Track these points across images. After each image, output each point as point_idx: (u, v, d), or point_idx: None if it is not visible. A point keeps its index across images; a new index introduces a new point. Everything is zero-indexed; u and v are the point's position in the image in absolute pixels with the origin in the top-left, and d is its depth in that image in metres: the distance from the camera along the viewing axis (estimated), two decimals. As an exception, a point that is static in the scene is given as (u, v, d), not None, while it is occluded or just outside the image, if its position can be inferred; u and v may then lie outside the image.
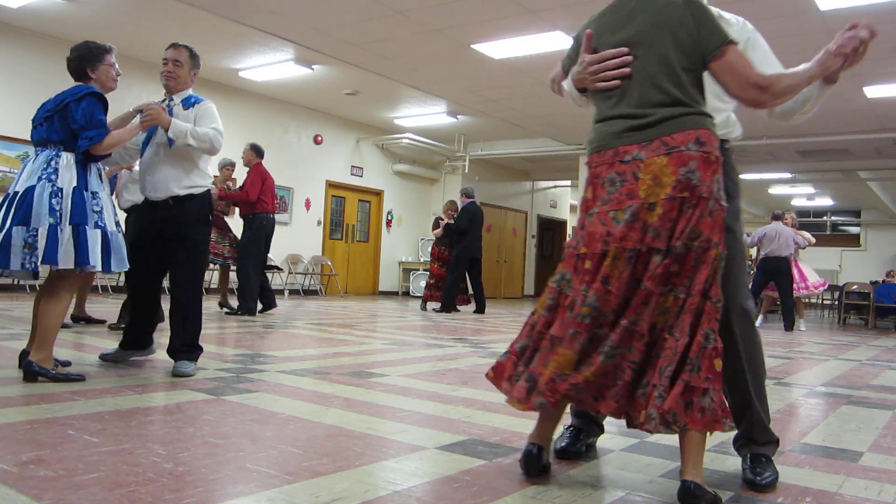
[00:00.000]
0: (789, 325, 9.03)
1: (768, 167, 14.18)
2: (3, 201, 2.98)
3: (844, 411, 3.23)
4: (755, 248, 9.71)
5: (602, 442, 2.35)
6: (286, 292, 11.50)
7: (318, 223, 12.38)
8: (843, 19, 6.45)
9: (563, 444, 2.14)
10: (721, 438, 2.49)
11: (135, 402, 2.60)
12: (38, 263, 2.83)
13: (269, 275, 11.22)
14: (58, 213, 2.89)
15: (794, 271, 9.48)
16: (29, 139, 3.20)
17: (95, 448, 1.95)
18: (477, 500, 1.70)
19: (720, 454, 2.26)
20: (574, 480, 1.90)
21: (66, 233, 2.87)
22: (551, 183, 17.60)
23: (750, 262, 10.87)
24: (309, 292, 12.08)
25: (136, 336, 3.55)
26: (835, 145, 11.89)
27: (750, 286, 9.37)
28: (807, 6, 6.26)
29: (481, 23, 7.23)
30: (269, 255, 11.55)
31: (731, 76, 1.82)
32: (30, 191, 2.90)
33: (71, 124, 3.00)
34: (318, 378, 3.36)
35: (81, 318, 5.36)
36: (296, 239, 11.87)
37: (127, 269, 3.13)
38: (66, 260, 2.86)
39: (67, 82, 3.17)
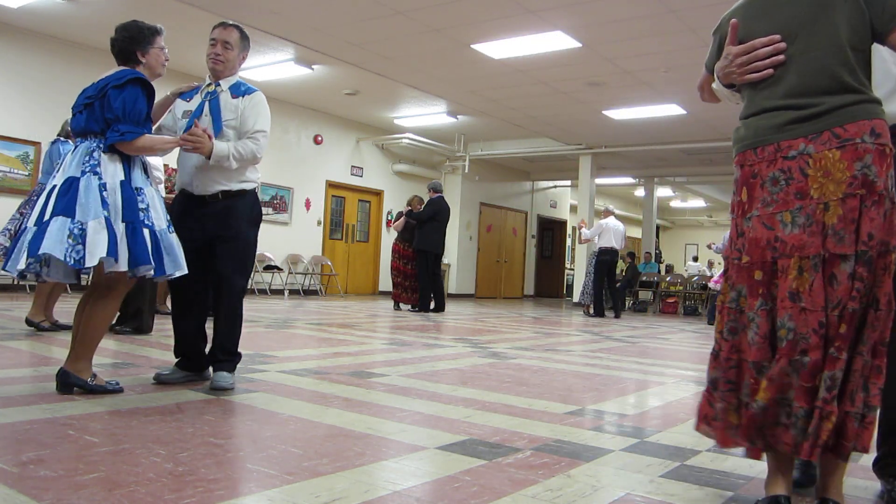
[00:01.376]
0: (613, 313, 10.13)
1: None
2: (39, 197, 2.70)
3: (844, 411, 3.23)
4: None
5: (602, 442, 2.36)
6: (286, 292, 11.50)
7: (318, 223, 12.38)
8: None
9: (795, 475, 1.87)
10: (721, 438, 2.49)
11: (135, 402, 2.60)
12: (84, 259, 2.49)
13: (268, 275, 11.29)
14: (109, 208, 2.60)
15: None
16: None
17: (95, 448, 1.95)
18: (477, 500, 1.70)
19: (720, 454, 2.26)
20: (574, 480, 1.90)
21: (119, 230, 2.58)
22: (551, 183, 17.61)
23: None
24: (309, 292, 12.08)
25: (191, 353, 3.13)
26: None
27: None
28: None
29: (481, 23, 7.23)
30: (270, 255, 11.65)
31: None
32: (72, 182, 2.60)
33: (106, 113, 2.69)
34: (318, 378, 3.36)
35: (36, 325, 4.79)
36: (296, 239, 11.88)
37: (185, 273, 2.76)
38: (121, 259, 2.57)
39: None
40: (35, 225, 2.55)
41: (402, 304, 9.29)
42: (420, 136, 13.21)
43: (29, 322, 4.78)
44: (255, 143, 3.01)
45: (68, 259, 2.47)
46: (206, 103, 3.06)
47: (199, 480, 1.73)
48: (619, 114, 10.68)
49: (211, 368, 3.08)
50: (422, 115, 12.05)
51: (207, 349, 3.14)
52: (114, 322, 4.92)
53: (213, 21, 3.43)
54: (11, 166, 8.27)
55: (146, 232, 2.64)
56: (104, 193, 2.60)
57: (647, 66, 8.36)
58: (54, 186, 2.64)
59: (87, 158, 2.66)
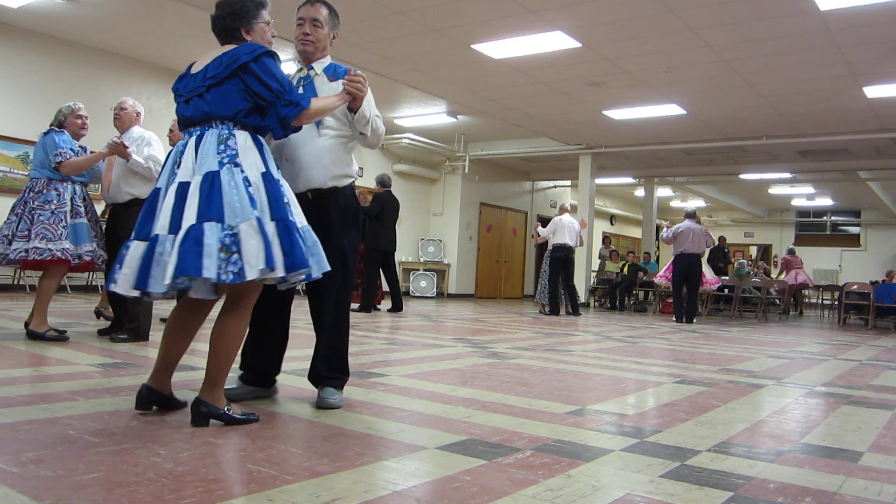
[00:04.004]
0: (691, 318, 9.79)
1: (768, 167, 14.18)
2: (160, 199, 2.30)
3: (844, 411, 3.23)
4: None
5: (602, 442, 2.36)
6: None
7: (318, 223, 12.36)
8: (842, 19, 6.46)
9: None
10: (721, 438, 2.49)
11: (135, 402, 2.60)
12: (244, 272, 2.14)
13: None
14: (257, 206, 2.24)
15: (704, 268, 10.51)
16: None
17: (95, 448, 1.95)
18: (477, 500, 1.70)
19: (720, 454, 2.26)
20: (574, 480, 1.90)
21: (270, 231, 2.23)
22: (551, 183, 17.60)
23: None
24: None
25: (264, 367, 2.87)
26: (835, 145, 11.89)
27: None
28: (807, 6, 6.26)
29: (481, 23, 7.23)
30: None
31: None
32: (213, 177, 2.21)
33: (261, 92, 2.33)
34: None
35: (38, 335, 4.22)
36: (296, 239, 11.86)
37: (328, 271, 2.42)
38: (278, 267, 2.22)
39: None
40: (171, 232, 2.18)
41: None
42: (420, 136, 13.21)
43: (33, 334, 4.20)
44: (381, 125, 2.70)
45: (224, 277, 2.12)
46: (300, 88, 2.73)
47: (199, 480, 1.73)
48: (619, 114, 10.68)
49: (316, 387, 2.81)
50: (422, 115, 12.05)
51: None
52: (109, 328, 4.64)
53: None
54: (11, 166, 8.27)
55: (297, 230, 2.30)
56: (250, 189, 2.24)
57: (647, 66, 8.36)
58: (183, 184, 2.24)
59: (222, 148, 2.29)
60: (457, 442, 2.24)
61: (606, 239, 16.12)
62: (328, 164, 2.68)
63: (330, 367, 2.76)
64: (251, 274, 2.15)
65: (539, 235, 10.52)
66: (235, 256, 2.14)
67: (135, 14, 7.69)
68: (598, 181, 14.86)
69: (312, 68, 2.78)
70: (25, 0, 7.39)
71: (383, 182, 8.90)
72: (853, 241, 21.15)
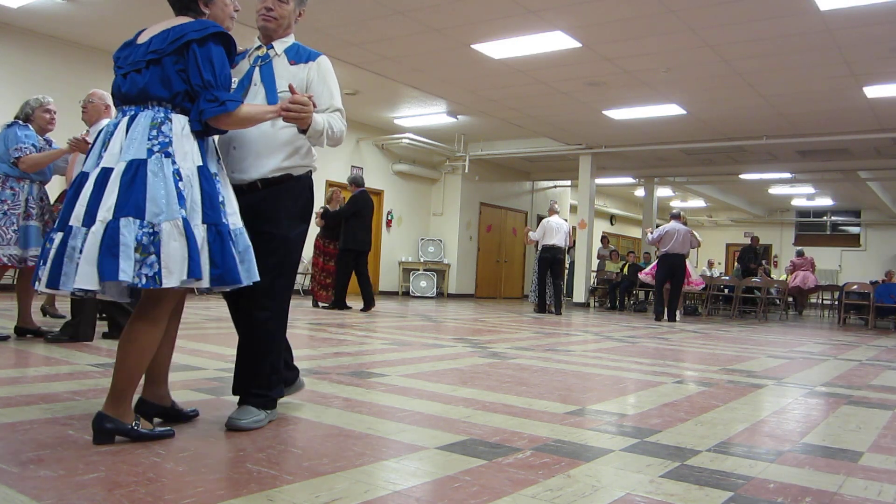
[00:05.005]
0: (673, 317, 9.96)
1: (768, 167, 14.18)
2: (81, 184, 2.04)
3: (844, 411, 3.23)
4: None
5: (602, 442, 2.35)
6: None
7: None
8: (843, 19, 6.46)
9: None
10: (721, 438, 2.49)
11: (135, 402, 2.59)
12: (160, 277, 1.91)
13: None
14: (186, 205, 1.98)
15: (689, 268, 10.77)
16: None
17: (95, 448, 1.95)
18: (477, 500, 1.70)
19: (720, 454, 2.26)
20: (574, 480, 1.90)
21: (200, 236, 1.98)
22: (551, 183, 17.60)
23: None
24: (308, 292, 12.05)
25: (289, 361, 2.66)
26: (835, 145, 11.90)
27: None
28: (807, 6, 6.26)
29: (481, 23, 7.23)
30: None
31: None
32: (138, 166, 1.96)
33: (192, 77, 2.06)
34: (318, 378, 3.35)
35: (28, 330, 4.32)
36: (296, 239, 11.85)
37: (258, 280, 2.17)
38: (205, 277, 1.98)
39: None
40: (85, 225, 1.94)
41: (320, 303, 8.79)
42: (420, 136, 13.21)
43: (23, 331, 4.28)
44: (340, 126, 2.44)
45: (138, 280, 1.89)
46: (256, 69, 2.43)
47: (200, 480, 1.73)
48: (619, 114, 10.68)
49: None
50: (422, 115, 12.05)
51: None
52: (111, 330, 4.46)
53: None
54: (11, 166, 8.27)
55: (231, 236, 2.05)
56: (179, 184, 1.98)
57: (647, 66, 8.36)
58: (106, 170, 1.99)
59: (154, 133, 2.01)
60: (457, 442, 2.24)
61: (604, 238, 16.10)
62: (283, 154, 2.39)
63: (256, 383, 2.37)
64: (169, 281, 1.92)
65: (530, 239, 10.72)
66: (153, 258, 1.90)
67: (135, 14, 7.68)
68: (598, 181, 14.86)
69: (272, 47, 2.45)
70: (25, 0, 7.39)
71: (357, 182, 8.73)
72: (853, 241, 21.15)
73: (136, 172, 1.95)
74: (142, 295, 2.09)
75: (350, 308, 8.61)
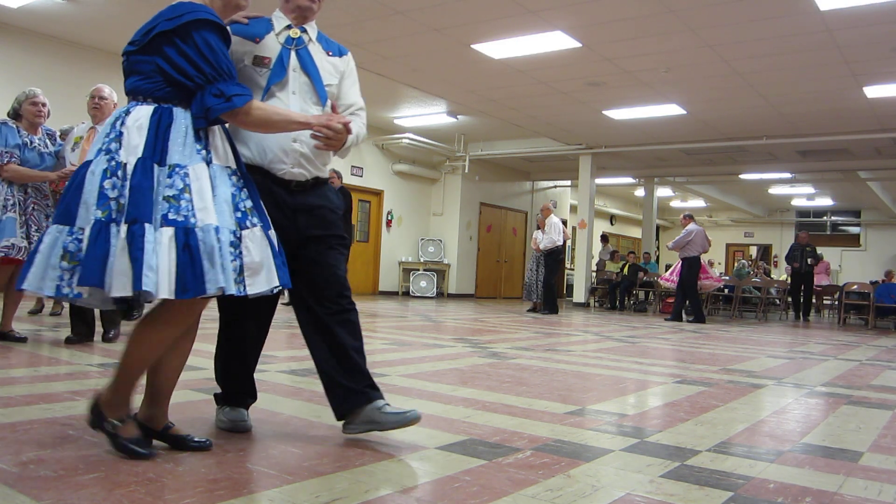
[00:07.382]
0: (701, 318, 9.84)
1: (768, 167, 14.19)
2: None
3: (844, 411, 3.23)
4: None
5: (602, 442, 2.35)
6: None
7: (318, 223, 12.37)
8: (843, 19, 6.46)
9: None
10: (721, 438, 2.49)
11: (135, 403, 2.59)
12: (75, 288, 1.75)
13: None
14: (110, 204, 1.77)
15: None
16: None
17: (95, 448, 1.95)
18: (477, 500, 1.70)
19: (720, 454, 2.26)
20: (574, 480, 1.90)
21: (121, 235, 1.74)
22: (551, 183, 17.61)
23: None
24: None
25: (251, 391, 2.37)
26: (835, 145, 11.90)
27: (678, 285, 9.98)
28: (807, 6, 6.26)
29: (481, 23, 7.23)
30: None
31: None
32: (82, 168, 1.84)
33: (189, 68, 1.83)
34: (317, 378, 3.35)
35: (6, 335, 4.16)
36: (296, 239, 11.86)
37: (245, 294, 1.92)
38: (118, 281, 1.71)
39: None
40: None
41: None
42: (420, 136, 13.22)
43: (3, 335, 4.14)
44: (362, 128, 2.29)
45: (66, 291, 1.75)
46: (293, 53, 2.16)
47: (200, 480, 1.73)
48: (619, 114, 10.68)
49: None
50: (422, 115, 12.05)
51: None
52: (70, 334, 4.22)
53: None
54: (11, 166, 8.27)
55: (168, 233, 1.75)
56: (106, 183, 1.78)
57: (647, 66, 8.36)
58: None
59: (108, 130, 1.87)
60: (457, 442, 2.24)
61: (604, 238, 16.09)
62: (323, 150, 2.20)
63: (368, 381, 2.24)
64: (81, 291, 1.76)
65: (537, 242, 10.75)
66: (79, 267, 1.74)
67: (135, 14, 7.68)
68: (598, 181, 14.86)
69: (306, 31, 2.20)
70: (25, 0, 7.40)
71: (340, 176, 8.50)
72: (853, 241, 21.16)
73: (78, 175, 1.83)
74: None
75: None
